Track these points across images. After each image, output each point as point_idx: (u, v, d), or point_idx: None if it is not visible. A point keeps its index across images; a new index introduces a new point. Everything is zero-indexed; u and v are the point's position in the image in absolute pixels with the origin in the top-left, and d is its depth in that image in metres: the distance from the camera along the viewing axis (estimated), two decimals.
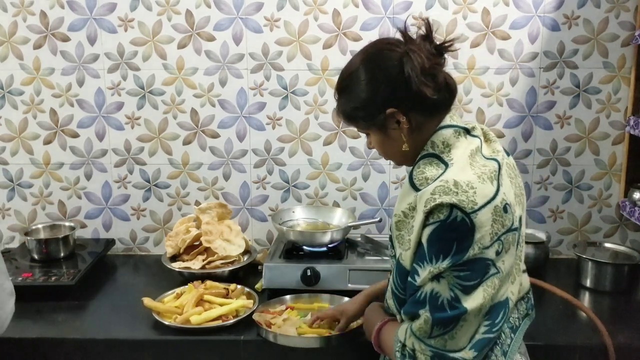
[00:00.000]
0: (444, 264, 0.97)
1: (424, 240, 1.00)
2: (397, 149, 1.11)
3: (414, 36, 1.08)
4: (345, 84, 1.12)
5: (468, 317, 0.98)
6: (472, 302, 0.97)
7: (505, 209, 0.99)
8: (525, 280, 1.18)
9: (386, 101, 1.07)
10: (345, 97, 1.13)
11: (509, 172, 1.09)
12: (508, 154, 1.17)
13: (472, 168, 1.01)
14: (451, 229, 0.96)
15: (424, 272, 0.99)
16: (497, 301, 1.02)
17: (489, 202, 0.97)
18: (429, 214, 0.98)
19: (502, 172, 1.03)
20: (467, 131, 1.08)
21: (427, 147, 1.08)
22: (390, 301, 1.14)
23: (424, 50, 1.04)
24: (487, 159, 1.05)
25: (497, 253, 0.99)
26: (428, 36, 1.07)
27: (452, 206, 0.95)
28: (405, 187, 1.08)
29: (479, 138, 1.08)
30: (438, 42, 1.08)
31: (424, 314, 0.99)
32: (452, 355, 0.99)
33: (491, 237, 0.97)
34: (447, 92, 1.08)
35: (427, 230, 0.99)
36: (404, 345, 1.04)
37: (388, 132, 1.10)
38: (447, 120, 1.08)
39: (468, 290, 0.98)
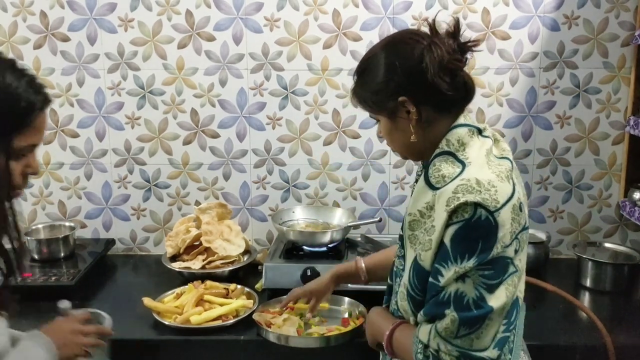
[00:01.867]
0: (470, 264, 0.96)
1: (447, 240, 0.98)
2: (403, 140, 1.10)
3: (442, 32, 1.07)
4: (364, 67, 1.12)
5: (493, 316, 0.97)
6: (496, 300, 0.97)
7: (520, 208, 0.99)
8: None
9: (399, 89, 1.06)
10: (361, 80, 1.13)
11: (516, 172, 1.09)
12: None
13: (489, 167, 1.01)
14: (476, 228, 0.96)
15: (449, 272, 0.98)
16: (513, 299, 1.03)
17: (508, 201, 0.97)
18: (452, 213, 0.97)
19: (514, 171, 1.04)
20: (480, 131, 1.08)
21: (442, 144, 1.06)
22: (403, 303, 1.10)
23: (447, 45, 1.04)
24: (500, 158, 1.05)
25: (516, 251, 0.99)
26: (454, 34, 1.06)
27: (477, 205, 0.95)
28: (420, 185, 1.07)
29: (490, 138, 1.08)
30: (463, 41, 1.06)
31: (450, 314, 0.98)
32: (478, 354, 0.98)
33: (511, 235, 0.97)
34: (463, 92, 1.07)
35: (451, 230, 0.98)
36: (426, 347, 1.01)
37: (397, 120, 1.09)
38: (461, 119, 1.08)
39: (492, 289, 0.97)
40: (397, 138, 1.13)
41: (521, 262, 1.02)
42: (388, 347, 1.12)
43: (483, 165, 1.01)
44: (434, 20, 1.07)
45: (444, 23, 1.08)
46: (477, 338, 0.98)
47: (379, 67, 1.08)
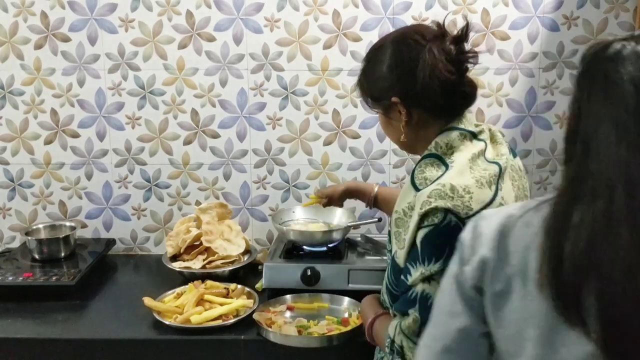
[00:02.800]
0: (436, 267, 0.97)
1: (418, 242, 1.00)
2: (396, 137, 1.14)
3: (454, 33, 1.06)
4: (370, 56, 1.13)
5: None
6: None
7: None
8: None
9: (393, 89, 1.07)
10: (365, 68, 1.14)
11: (512, 175, 1.08)
12: (515, 155, 1.16)
13: (471, 172, 1.01)
14: (444, 233, 0.96)
15: (416, 272, 1.00)
16: None
17: (484, 207, 0.97)
18: (423, 216, 0.98)
19: (503, 176, 1.03)
20: (474, 135, 1.07)
21: (430, 147, 1.07)
22: (384, 296, 1.15)
23: (445, 52, 1.03)
24: (490, 162, 1.04)
25: None
26: (458, 39, 1.05)
27: (447, 211, 0.96)
28: (406, 185, 1.08)
29: (485, 142, 1.07)
30: (464, 49, 1.05)
31: (413, 313, 1.00)
32: None
33: None
34: (459, 98, 1.07)
35: (421, 233, 0.99)
36: (393, 341, 1.05)
37: (390, 118, 1.11)
38: (455, 122, 1.07)
39: None
40: (390, 133, 1.16)
41: None
42: (369, 335, 1.18)
43: (464, 170, 1.01)
44: (440, 23, 1.06)
45: (455, 24, 1.07)
46: None
47: (382, 62, 1.09)
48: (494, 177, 1.01)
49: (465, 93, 1.08)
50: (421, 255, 0.99)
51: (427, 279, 0.99)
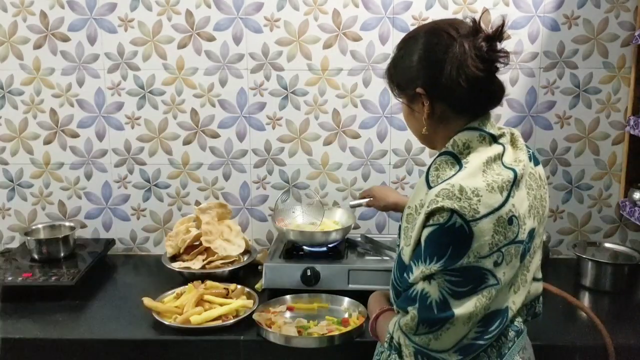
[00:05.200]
0: (436, 267, 0.97)
1: (422, 240, 1.00)
2: (417, 129, 1.12)
3: (487, 30, 1.03)
4: (401, 46, 1.11)
5: (455, 322, 0.97)
6: (461, 308, 0.97)
7: (510, 221, 0.97)
8: (535, 287, 1.15)
9: (419, 80, 1.06)
10: (395, 57, 1.12)
11: (529, 183, 1.06)
12: (538, 163, 1.13)
13: (484, 175, 0.99)
14: (448, 234, 0.96)
15: (417, 270, 1.00)
16: (494, 309, 1.02)
17: (492, 212, 0.96)
18: (429, 215, 0.98)
19: (519, 183, 1.01)
20: (494, 138, 1.05)
21: (448, 144, 1.06)
22: (390, 291, 1.14)
23: (476, 48, 1.01)
24: (506, 167, 1.02)
25: (496, 264, 0.97)
26: (492, 37, 1.02)
27: (453, 211, 0.95)
28: (420, 181, 1.08)
29: (504, 146, 1.05)
30: (495, 47, 1.03)
31: (412, 311, 1.00)
32: (434, 355, 1.00)
33: (490, 247, 0.96)
34: (484, 97, 1.05)
35: (426, 232, 0.99)
36: (392, 337, 1.05)
37: (413, 109, 1.10)
38: (477, 123, 1.05)
39: (459, 296, 0.97)
40: (412, 125, 1.15)
41: (505, 275, 0.99)
42: (372, 330, 1.18)
43: (476, 172, 0.99)
44: (475, 19, 1.03)
45: (491, 22, 1.05)
46: (435, 339, 0.99)
47: (413, 52, 1.07)
48: (507, 183, 0.99)
49: (492, 92, 1.06)
50: (424, 253, 0.99)
51: (428, 277, 0.99)
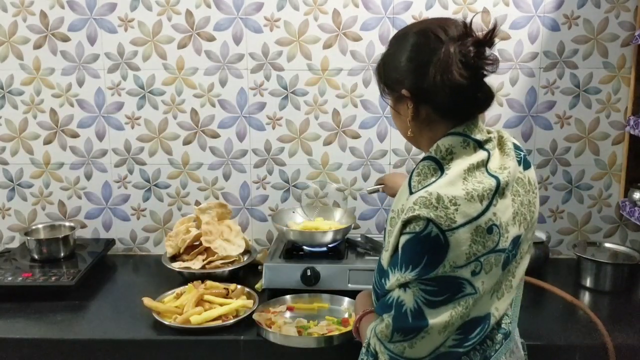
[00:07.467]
0: (411, 275, 0.96)
1: (399, 247, 0.99)
2: (403, 130, 1.12)
3: (478, 34, 1.01)
4: (393, 42, 1.09)
5: (430, 331, 0.96)
6: (436, 318, 0.95)
7: (490, 230, 0.95)
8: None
9: (405, 81, 1.03)
10: (385, 54, 1.10)
11: (515, 189, 1.03)
12: (529, 166, 1.09)
13: (464, 183, 0.96)
14: (424, 243, 0.94)
15: (394, 278, 0.99)
16: (474, 317, 1.00)
17: (470, 222, 0.93)
18: (406, 223, 0.96)
19: (503, 191, 0.98)
20: (479, 144, 1.02)
21: (432, 149, 1.04)
22: (373, 294, 1.14)
23: (462, 53, 0.98)
24: (490, 175, 0.99)
25: (474, 273, 0.95)
26: (480, 42, 1.00)
27: (429, 220, 0.93)
28: (404, 185, 1.06)
29: (489, 152, 1.02)
30: (482, 53, 1.00)
31: (387, 319, 0.99)
32: None
33: (467, 257, 0.94)
34: (468, 103, 1.02)
35: (402, 239, 0.98)
36: (369, 343, 1.04)
37: (399, 110, 1.08)
38: (462, 128, 1.02)
39: (433, 305, 0.95)
40: (398, 125, 1.14)
41: (485, 284, 0.97)
42: (356, 332, 1.19)
43: (456, 180, 0.97)
44: (466, 23, 1.01)
45: (482, 25, 1.01)
46: (410, 347, 0.97)
47: (402, 52, 1.05)
48: (489, 191, 0.96)
49: (477, 99, 1.03)
50: (400, 261, 0.98)
51: (403, 285, 0.98)
